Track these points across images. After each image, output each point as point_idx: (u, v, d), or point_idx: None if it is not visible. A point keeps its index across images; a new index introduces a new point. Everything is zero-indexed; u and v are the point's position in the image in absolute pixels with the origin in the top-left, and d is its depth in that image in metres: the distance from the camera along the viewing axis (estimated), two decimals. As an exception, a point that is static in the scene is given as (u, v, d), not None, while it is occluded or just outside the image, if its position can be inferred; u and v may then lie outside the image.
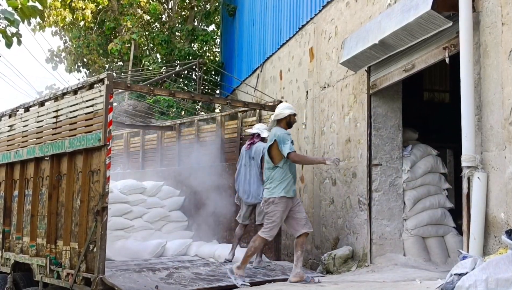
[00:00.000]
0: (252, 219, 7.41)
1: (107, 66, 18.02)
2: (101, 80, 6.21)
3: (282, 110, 6.19)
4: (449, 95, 10.74)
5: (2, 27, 6.04)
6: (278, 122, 6.19)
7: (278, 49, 11.35)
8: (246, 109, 8.63)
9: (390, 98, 7.41)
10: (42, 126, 7.30)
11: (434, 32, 5.68)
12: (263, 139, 7.28)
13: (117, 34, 17.35)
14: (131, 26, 16.65)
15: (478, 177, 5.05)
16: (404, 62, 6.52)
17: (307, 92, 9.54)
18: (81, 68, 19.04)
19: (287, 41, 10.82)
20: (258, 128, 7.46)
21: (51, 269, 6.60)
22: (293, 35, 10.46)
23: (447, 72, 10.25)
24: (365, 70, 7.36)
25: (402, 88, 7.48)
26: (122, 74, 13.55)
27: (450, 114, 7.90)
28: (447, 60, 5.65)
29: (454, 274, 4.18)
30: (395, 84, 7.05)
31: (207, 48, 19.72)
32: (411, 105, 8.09)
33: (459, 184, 5.67)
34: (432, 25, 5.60)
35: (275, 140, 5.99)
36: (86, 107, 6.42)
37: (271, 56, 11.88)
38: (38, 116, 7.40)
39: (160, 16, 18.40)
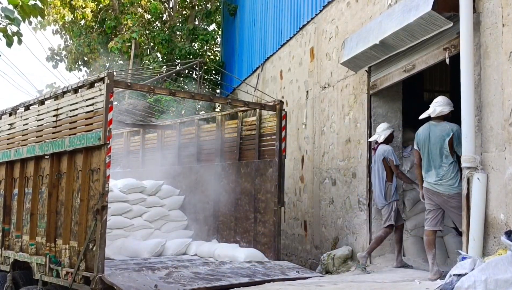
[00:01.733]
0: (391, 220, 6.94)
1: (107, 65, 18.02)
2: (102, 79, 6.21)
3: (443, 108, 5.89)
4: (449, 96, 10.71)
5: (3, 25, 6.05)
6: (437, 117, 5.91)
7: (279, 49, 11.35)
8: (246, 108, 8.63)
9: (390, 99, 7.41)
10: (42, 124, 7.30)
11: (435, 32, 5.68)
12: (386, 141, 6.97)
13: (117, 33, 17.35)
14: (131, 25, 16.64)
15: (478, 178, 5.05)
16: (405, 63, 6.52)
17: (307, 92, 9.54)
18: (81, 67, 19.04)
19: (287, 41, 10.82)
20: (377, 132, 7.03)
21: (50, 268, 6.60)
22: (294, 35, 10.46)
23: (447, 73, 10.24)
24: (366, 70, 7.36)
25: (402, 89, 7.48)
26: (123, 73, 13.54)
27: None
28: (447, 60, 5.65)
29: (453, 275, 4.19)
30: (396, 84, 7.05)
31: (207, 47, 19.71)
32: (411, 106, 8.08)
33: (458, 185, 5.66)
34: (433, 26, 5.60)
35: (452, 135, 5.75)
36: (87, 106, 6.42)
37: (271, 55, 11.88)
38: (38, 115, 7.40)
39: (160, 15, 18.41)
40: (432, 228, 5.98)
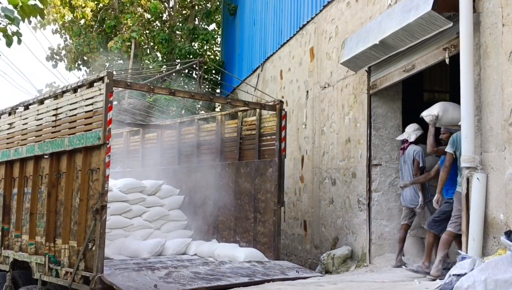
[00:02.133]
0: (410, 220, 6.99)
1: (107, 64, 18.01)
2: (101, 79, 6.21)
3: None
4: (449, 96, 10.73)
5: (3, 25, 6.05)
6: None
7: (279, 48, 11.35)
8: (246, 108, 8.62)
9: (390, 99, 7.41)
10: (41, 124, 7.29)
11: (435, 32, 5.68)
12: (416, 141, 6.94)
13: (117, 33, 17.35)
14: (131, 24, 16.63)
15: (478, 178, 5.05)
16: (404, 63, 6.52)
17: (307, 91, 9.54)
18: (81, 66, 19.04)
19: (287, 40, 10.82)
20: (407, 132, 7.01)
21: (50, 267, 6.60)
22: (294, 35, 10.46)
23: (447, 73, 10.24)
24: (366, 70, 7.36)
25: (402, 89, 7.48)
26: (122, 72, 13.54)
27: (450, 114, 7.87)
28: (447, 60, 5.65)
29: (453, 275, 4.19)
30: (395, 84, 7.05)
31: (207, 47, 19.71)
32: (411, 106, 8.08)
33: (458, 185, 5.66)
34: (433, 26, 5.60)
35: None
36: (86, 105, 6.42)
37: (271, 55, 11.88)
38: (37, 114, 7.39)
39: (160, 15, 18.40)
40: (456, 232, 5.83)
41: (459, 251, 5.10)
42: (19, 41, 6.14)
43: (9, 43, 5.89)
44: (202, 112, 15.86)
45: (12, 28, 5.90)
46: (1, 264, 7.90)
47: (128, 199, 8.53)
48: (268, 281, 6.21)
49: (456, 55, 5.48)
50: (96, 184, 6.12)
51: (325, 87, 8.76)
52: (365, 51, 6.77)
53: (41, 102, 7.41)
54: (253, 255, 7.49)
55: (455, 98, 5.88)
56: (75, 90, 6.70)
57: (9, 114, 8.18)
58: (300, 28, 10.08)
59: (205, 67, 15.65)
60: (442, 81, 10.61)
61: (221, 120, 9.07)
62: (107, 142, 6.02)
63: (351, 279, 6.18)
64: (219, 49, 19.59)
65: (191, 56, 16.61)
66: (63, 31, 18.82)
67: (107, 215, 6.14)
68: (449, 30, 5.57)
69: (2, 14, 6.06)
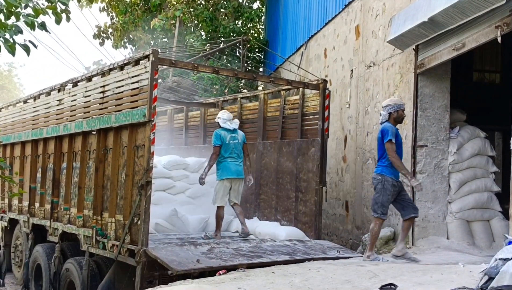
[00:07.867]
0: None
1: (152, 42, 18.20)
2: (147, 56, 6.28)
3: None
4: (500, 76, 10.38)
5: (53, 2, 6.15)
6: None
7: (323, 26, 11.19)
8: (289, 87, 8.57)
9: (438, 78, 7.22)
10: (89, 100, 7.46)
11: (486, 10, 5.48)
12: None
13: (162, 11, 17.46)
14: (175, 2, 16.69)
15: (528, 161, 4.90)
16: (454, 41, 6.32)
17: (351, 70, 9.40)
18: (127, 44, 19.29)
19: (332, 18, 10.65)
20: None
21: (97, 240, 6.82)
22: (339, 12, 10.28)
23: (498, 52, 9.89)
24: (413, 48, 7.18)
25: (451, 68, 7.27)
26: (167, 50, 13.65)
27: (500, 95, 7.64)
28: (499, 39, 5.44)
29: (499, 259, 4.08)
30: (444, 63, 6.86)
31: (251, 25, 19.62)
32: (460, 86, 7.86)
33: (507, 168, 5.49)
34: (485, 3, 5.40)
35: None
36: (132, 83, 6.52)
37: (315, 33, 11.73)
38: (85, 91, 7.57)
39: (205, -7, 18.37)
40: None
41: (506, 235, 4.97)
42: (68, 19, 6.22)
43: (58, 21, 5.97)
44: (245, 90, 15.87)
45: (61, 6, 5.99)
46: (51, 236, 8.20)
47: (172, 175, 8.66)
48: (309, 259, 6.23)
49: (508, 34, 5.28)
50: (141, 160, 6.25)
51: (370, 66, 8.61)
52: (413, 29, 6.60)
53: (89, 79, 7.57)
54: (294, 234, 7.51)
55: (506, 78, 5.68)
56: (121, 67, 6.81)
57: (59, 90, 8.40)
58: (346, 6, 9.90)
59: (249, 45, 15.60)
60: (493, 61, 10.26)
61: (263, 99, 9.06)
62: (152, 119, 6.12)
63: (393, 261, 6.13)
64: (263, 27, 19.47)
65: (234, 35, 16.57)
66: (109, 9, 19.09)
67: (152, 191, 6.26)
68: (501, 8, 5.36)
69: (52, -8, 6.16)
